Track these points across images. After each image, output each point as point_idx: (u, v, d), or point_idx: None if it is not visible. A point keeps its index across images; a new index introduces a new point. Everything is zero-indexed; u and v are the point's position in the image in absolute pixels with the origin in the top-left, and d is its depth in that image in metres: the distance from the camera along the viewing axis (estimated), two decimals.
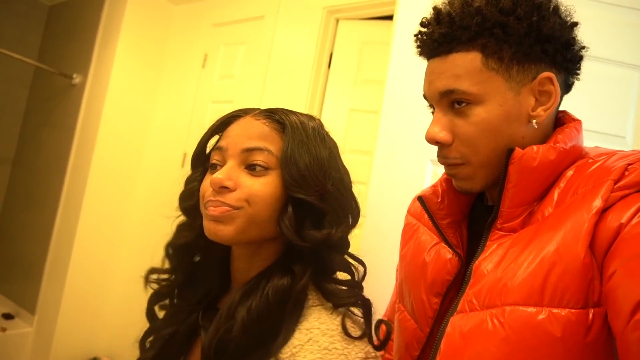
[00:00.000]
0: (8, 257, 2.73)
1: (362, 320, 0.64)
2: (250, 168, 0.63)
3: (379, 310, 1.11)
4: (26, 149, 2.85)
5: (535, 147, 0.57)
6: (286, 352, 0.57)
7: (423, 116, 1.27)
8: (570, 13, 0.61)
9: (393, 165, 1.29)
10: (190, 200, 0.72)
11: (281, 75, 2.18)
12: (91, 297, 2.44)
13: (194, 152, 0.73)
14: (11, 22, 2.81)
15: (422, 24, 0.65)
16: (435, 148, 1.20)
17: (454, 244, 0.68)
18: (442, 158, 0.65)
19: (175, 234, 0.75)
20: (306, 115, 0.72)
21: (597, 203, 0.49)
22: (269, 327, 0.59)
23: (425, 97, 0.66)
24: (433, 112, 0.66)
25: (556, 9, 0.60)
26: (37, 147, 2.75)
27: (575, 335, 0.47)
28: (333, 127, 2.26)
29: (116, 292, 2.53)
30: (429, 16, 0.64)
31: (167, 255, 0.75)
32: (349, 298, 0.64)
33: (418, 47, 0.66)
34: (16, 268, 2.66)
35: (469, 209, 0.73)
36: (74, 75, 2.54)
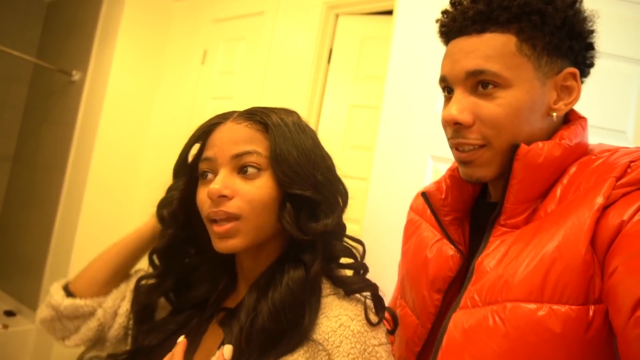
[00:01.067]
0: (9, 254, 2.73)
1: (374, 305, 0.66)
2: (243, 172, 0.64)
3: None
4: (26, 146, 2.84)
5: (540, 144, 0.57)
6: (319, 337, 0.60)
7: (424, 112, 1.27)
8: (593, 18, 0.61)
9: (393, 161, 1.29)
10: (168, 208, 0.75)
11: (281, 71, 2.17)
12: None
13: (177, 161, 0.74)
14: (10, 19, 2.81)
15: (452, 3, 0.64)
16: (436, 144, 1.20)
17: (456, 240, 0.68)
18: (461, 139, 0.61)
19: (159, 241, 0.77)
20: (283, 109, 0.73)
21: (599, 200, 0.49)
22: (293, 315, 0.61)
23: (444, 77, 0.64)
24: (447, 96, 0.64)
25: (584, 11, 0.60)
26: (37, 144, 2.75)
27: (576, 332, 0.48)
28: (333, 123, 2.27)
29: None
30: None
31: (151, 262, 0.77)
32: (357, 284, 0.67)
33: (443, 25, 0.65)
34: (17, 265, 2.66)
35: (472, 205, 0.73)
36: (74, 72, 2.53)
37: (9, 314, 2.46)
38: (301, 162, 0.65)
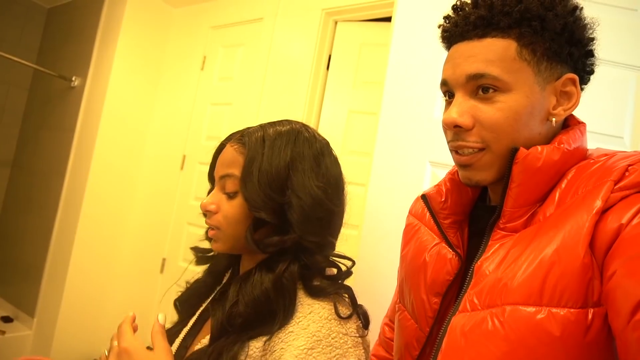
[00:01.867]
0: (7, 260, 2.73)
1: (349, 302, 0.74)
2: (225, 191, 0.75)
3: (377, 310, 1.12)
4: (25, 152, 2.85)
5: (539, 148, 0.57)
6: (291, 322, 0.67)
7: (422, 117, 1.28)
8: (593, 26, 0.62)
9: (392, 166, 1.29)
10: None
11: (280, 77, 2.18)
12: (91, 300, 2.44)
13: (208, 172, 0.86)
14: (10, 25, 2.82)
15: (454, 8, 0.65)
16: (434, 149, 1.20)
17: (454, 244, 0.68)
18: (460, 142, 0.62)
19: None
20: (281, 122, 0.79)
21: (598, 203, 0.50)
22: (267, 306, 0.69)
23: (445, 81, 0.64)
24: (448, 100, 0.65)
25: (585, 18, 0.61)
26: (36, 149, 2.75)
27: (574, 335, 0.48)
28: (332, 129, 2.28)
29: (116, 295, 2.53)
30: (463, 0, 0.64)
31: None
32: (329, 288, 0.72)
33: (445, 30, 0.66)
34: (15, 270, 2.66)
35: (471, 209, 0.73)
36: (73, 78, 2.54)
37: (6, 319, 2.45)
38: (264, 187, 0.71)
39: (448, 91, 0.65)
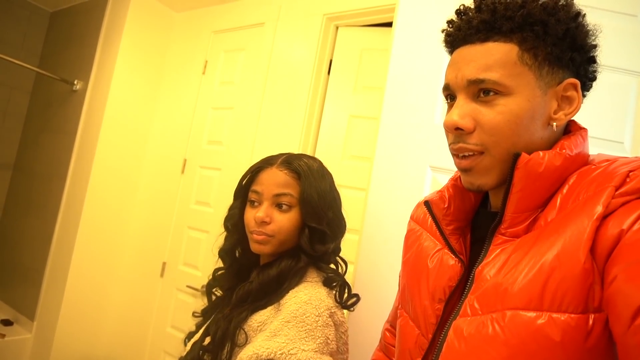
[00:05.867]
0: (8, 263, 2.72)
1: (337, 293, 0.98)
2: (279, 207, 0.98)
3: (378, 314, 1.12)
4: (27, 155, 2.85)
5: (541, 153, 0.58)
6: (283, 300, 0.91)
7: (423, 122, 1.28)
8: (595, 33, 0.62)
9: (393, 171, 1.29)
10: (232, 220, 1.08)
11: (281, 81, 2.19)
12: (91, 304, 2.44)
13: (237, 187, 1.07)
14: (13, 28, 2.83)
15: (457, 12, 0.66)
16: (435, 154, 1.20)
17: (457, 250, 0.68)
18: (461, 144, 0.62)
19: (223, 243, 1.10)
20: (309, 157, 1.06)
21: (599, 209, 0.50)
22: (274, 286, 0.94)
23: (447, 85, 0.65)
24: (450, 104, 0.65)
25: (587, 24, 0.62)
26: (38, 152, 2.76)
27: (575, 340, 0.48)
28: (333, 134, 2.28)
29: (116, 299, 2.52)
30: (467, 4, 0.65)
31: (221, 256, 1.10)
32: (338, 277, 1.00)
33: (448, 35, 0.66)
34: (16, 274, 2.65)
35: (473, 215, 0.73)
36: (75, 82, 2.55)
37: (6, 323, 2.44)
38: (319, 205, 0.98)
39: (450, 95, 0.65)
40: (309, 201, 0.96)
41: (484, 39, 0.60)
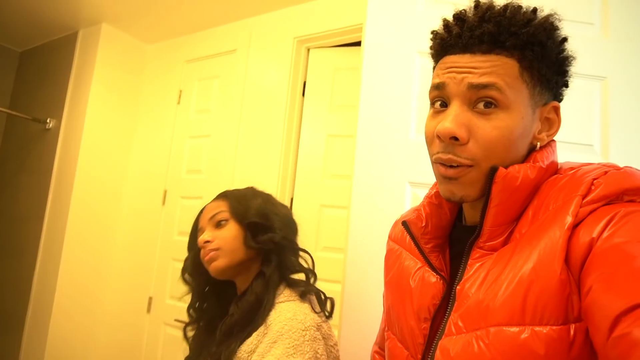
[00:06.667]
0: None
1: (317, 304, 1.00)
2: (218, 225, 1.05)
3: (366, 334, 1.11)
4: (2, 197, 2.78)
5: (517, 167, 0.58)
6: (269, 319, 0.93)
7: (398, 139, 1.29)
8: (573, 59, 0.63)
9: (372, 188, 1.30)
10: (187, 271, 1.12)
11: (257, 106, 2.20)
12: (76, 347, 2.36)
13: (189, 240, 1.14)
14: None
15: (456, 17, 0.64)
16: (412, 170, 1.20)
17: (437, 267, 0.68)
18: (451, 156, 0.60)
19: (190, 299, 1.14)
20: (247, 189, 1.16)
21: (568, 219, 0.50)
22: (254, 312, 0.95)
23: (442, 85, 0.62)
24: (437, 109, 0.63)
25: (568, 50, 0.63)
26: (14, 194, 2.69)
27: (559, 352, 0.48)
28: (312, 154, 2.28)
29: (102, 339, 2.45)
30: (466, 10, 0.63)
31: (190, 310, 1.12)
32: (311, 287, 1.03)
33: (442, 40, 0.64)
34: None
35: (450, 230, 0.73)
36: (48, 120, 2.52)
37: None
38: (250, 204, 1.07)
39: (440, 98, 0.63)
40: (238, 205, 1.06)
41: (487, 50, 0.59)
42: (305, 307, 0.95)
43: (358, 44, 1.90)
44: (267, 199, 1.13)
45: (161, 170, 2.51)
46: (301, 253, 1.09)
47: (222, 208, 1.06)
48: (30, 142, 2.67)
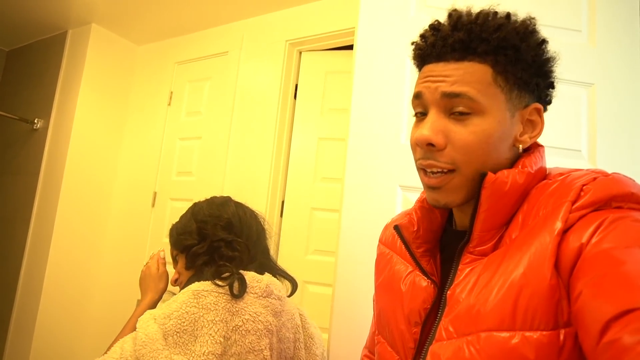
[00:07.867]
0: None
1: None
2: (175, 261, 1.23)
3: (357, 336, 1.10)
4: None
5: (505, 172, 0.59)
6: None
7: (390, 142, 1.30)
8: (555, 60, 0.64)
9: (363, 192, 1.30)
10: None
11: (248, 108, 2.19)
12: (61, 353, 2.32)
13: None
14: None
15: (431, 27, 0.65)
16: (403, 173, 1.21)
17: (428, 271, 0.68)
18: (431, 161, 0.62)
19: None
20: (183, 215, 1.26)
21: (558, 225, 0.51)
22: None
23: (420, 94, 0.64)
24: (420, 118, 0.65)
25: (549, 51, 0.63)
26: (0, 195, 2.65)
27: (549, 357, 0.48)
28: (303, 157, 2.28)
29: (87, 347, 2.42)
30: (442, 20, 0.64)
31: None
32: (209, 264, 1.12)
33: (420, 49, 0.66)
34: None
35: (440, 234, 0.73)
36: (36, 120, 2.49)
37: None
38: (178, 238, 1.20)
39: (420, 107, 0.65)
40: (171, 238, 1.22)
41: (459, 58, 0.61)
42: (192, 293, 1.01)
43: (350, 47, 1.90)
44: (193, 210, 1.23)
45: (151, 172, 2.49)
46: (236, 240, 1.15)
47: (173, 252, 1.22)
48: (17, 142, 2.63)
